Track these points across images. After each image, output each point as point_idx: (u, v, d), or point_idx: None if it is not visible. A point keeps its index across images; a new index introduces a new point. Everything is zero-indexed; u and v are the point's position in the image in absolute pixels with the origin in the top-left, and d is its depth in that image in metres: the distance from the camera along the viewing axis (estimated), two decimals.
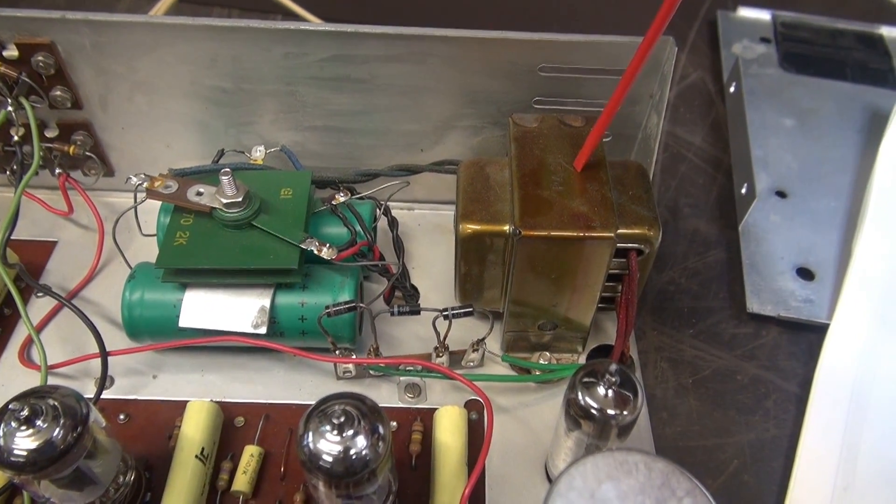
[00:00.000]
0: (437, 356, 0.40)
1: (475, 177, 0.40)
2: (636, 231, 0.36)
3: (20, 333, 0.43)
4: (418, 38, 0.40)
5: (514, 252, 0.36)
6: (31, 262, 0.46)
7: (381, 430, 0.30)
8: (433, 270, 0.48)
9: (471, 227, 0.37)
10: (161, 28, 0.40)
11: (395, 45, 0.41)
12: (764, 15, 0.72)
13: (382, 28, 0.40)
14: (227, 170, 0.38)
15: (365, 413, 0.30)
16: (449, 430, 0.37)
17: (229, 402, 0.40)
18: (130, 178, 0.39)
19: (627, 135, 0.45)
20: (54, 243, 0.48)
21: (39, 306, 0.44)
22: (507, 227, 0.36)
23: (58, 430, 0.30)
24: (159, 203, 0.42)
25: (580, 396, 0.31)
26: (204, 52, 0.41)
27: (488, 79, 0.42)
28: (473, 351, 0.41)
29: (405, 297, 0.45)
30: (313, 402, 0.40)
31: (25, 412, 0.29)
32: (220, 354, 0.43)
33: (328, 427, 0.29)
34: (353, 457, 0.29)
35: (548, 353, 0.42)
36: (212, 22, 0.40)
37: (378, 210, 0.45)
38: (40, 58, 0.41)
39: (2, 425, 0.29)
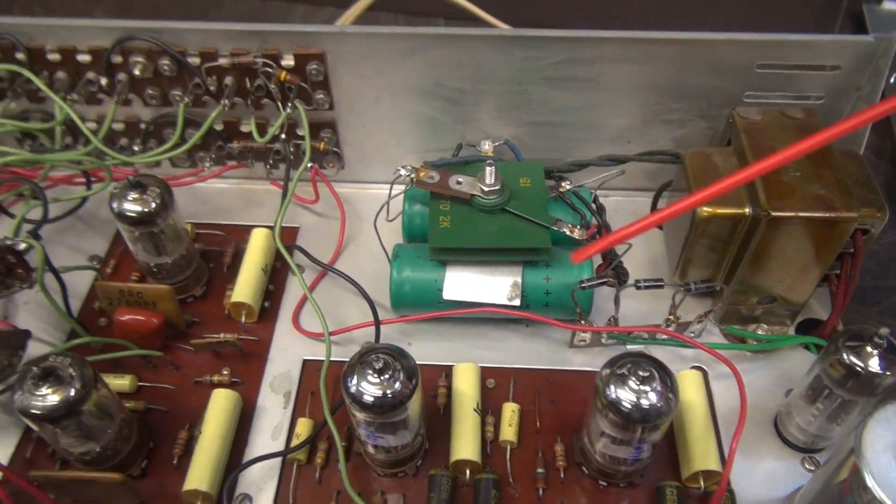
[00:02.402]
0: (668, 325, 0.45)
1: (703, 165, 0.44)
2: (867, 212, 0.40)
3: (286, 305, 0.49)
4: (650, 41, 0.45)
5: (757, 233, 0.40)
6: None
7: (671, 384, 0.35)
8: (631, 252, 0.53)
9: (708, 210, 0.42)
10: (421, 38, 0.46)
11: (628, 48, 0.45)
12: None
13: (619, 33, 0.44)
14: (492, 161, 0.43)
15: (658, 370, 0.35)
16: (692, 390, 0.42)
17: (480, 366, 0.45)
18: (399, 169, 0.45)
19: (826, 125, 0.49)
20: (297, 228, 0.54)
21: (296, 283, 0.51)
22: (746, 210, 0.41)
23: (398, 383, 0.35)
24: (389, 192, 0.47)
25: (845, 357, 0.35)
26: (453, 57, 0.46)
27: (705, 76, 0.47)
28: (698, 322, 0.45)
29: (617, 274, 0.50)
30: (550, 367, 0.46)
31: (380, 364, 0.35)
32: (461, 325, 0.48)
33: (633, 380, 0.34)
34: (648, 407, 0.34)
35: (765, 325, 0.46)
36: (464, 31, 0.45)
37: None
38: (313, 66, 0.47)
39: (356, 374, 0.35)
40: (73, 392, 0.35)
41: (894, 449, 0.28)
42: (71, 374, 0.36)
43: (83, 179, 0.49)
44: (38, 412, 0.35)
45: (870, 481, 0.27)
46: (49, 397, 0.35)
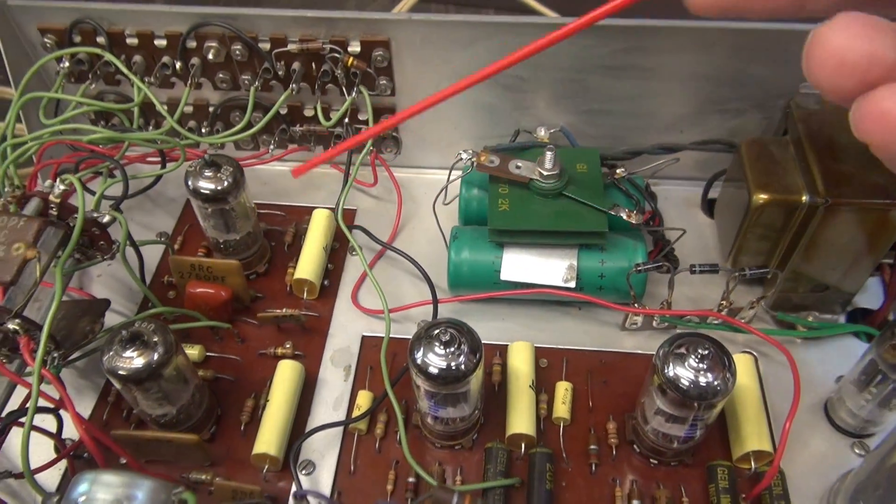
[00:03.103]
0: (720, 310, 0.46)
1: (760, 154, 0.45)
2: None
3: (345, 283, 0.51)
4: (709, 30, 0.46)
5: (813, 221, 0.41)
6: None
7: (728, 363, 0.36)
8: (681, 240, 0.53)
9: (764, 197, 0.42)
10: (484, 26, 0.47)
11: (687, 37, 0.46)
12: None
13: (680, 22, 0.45)
14: (552, 146, 0.44)
15: (717, 351, 0.36)
16: (745, 373, 0.43)
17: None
18: (460, 153, 0.46)
19: None
20: (355, 210, 0.56)
21: (355, 263, 0.53)
22: (803, 197, 0.41)
23: (462, 357, 0.37)
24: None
25: None
26: (514, 45, 0.47)
27: (764, 67, 0.47)
28: (750, 308, 0.46)
29: (669, 259, 0.51)
30: (602, 349, 0.47)
31: (447, 337, 0.36)
32: (515, 306, 0.49)
33: (693, 358, 0.35)
34: (706, 385, 0.35)
35: (816, 313, 0.47)
36: (527, 20, 0.47)
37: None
38: (378, 52, 0.48)
39: (423, 345, 0.37)
40: (156, 356, 0.37)
41: None
42: (155, 340, 0.38)
43: (156, 159, 0.51)
44: (125, 373, 0.37)
45: None
46: (135, 360, 0.37)
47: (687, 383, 0.35)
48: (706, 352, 0.35)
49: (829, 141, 0.42)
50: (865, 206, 0.39)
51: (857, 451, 0.42)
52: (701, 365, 0.35)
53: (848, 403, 0.41)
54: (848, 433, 0.42)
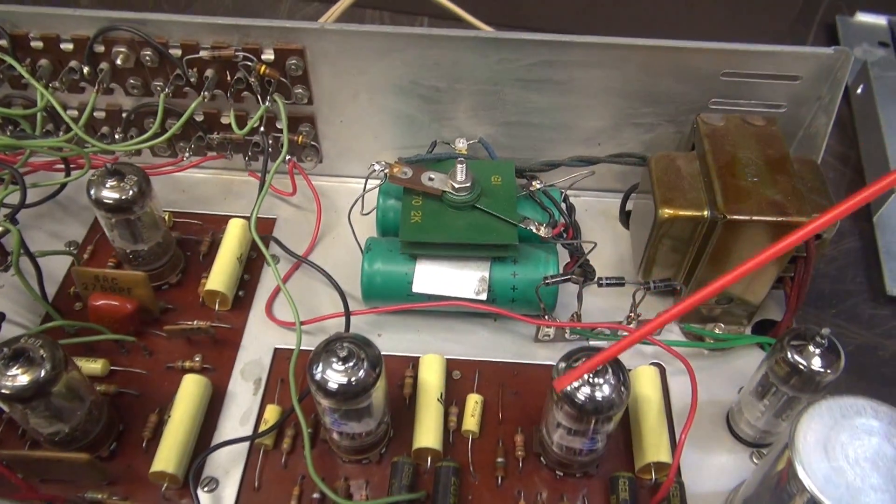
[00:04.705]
0: (629, 322, 0.46)
1: (667, 168, 0.45)
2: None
3: (261, 294, 0.50)
4: (619, 46, 0.46)
5: (714, 234, 0.42)
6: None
7: (623, 377, 0.36)
8: (599, 251, 0.54)
9: (669, 212, 0.43)
10: (399, 37, 0.47)
11: (598, 53, 0.47)
12: (881, 20, 0.76)
13: (590, 38, 0.46)
14: (463, 159, 0.44)
15: (611, 364, 0.36)
16: (648, 385, 0.43)
17: (446, 358, 0.47)
18: (373, 165, 0.46)
19: (789, 132, 0.51)
20: (274, 220, 0.55)
21: (271, 273, 0.52)
22: (705, 212, 0.42)
23: (362, 371, 0.37)
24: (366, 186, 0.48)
25: (789, 355, 0.37)
26: (430, 57, 0.48)
27: (674, 82, 0.48)
28: None
29: (584, 272, 0.51)
30: (515, 361, 0.47)
31: (345, 353, 0.36)
32: (431, 317, 0.49)
33: (594, 373, 0.36)
34: (601, 399, 0.36)
35: (722, 325, 0.48)
36: (441, 32, 0.47)
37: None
38: (293, 61, 0.48)
39: (322, 361, 0.36)
40: (42, 373, 0.36)
41: (824, 442, 0.29)
42: (42, 356, 0.36)
43: (63, 166, 0.50)
44: (8, 392, 0.36)
45: (800, 471, 0.29)
46: (19, 378, 0.36)
47: (583, 398, 0.36)
48: (601, 367, 0.35)
49: (730, 157, 0.43)
50: (760, 222, 0.40)
51: (755, 460, 0.43)
52: (596, 380, 0.36)
53: (746, 414, 0.42)
54: (747, 443, 0.43)
